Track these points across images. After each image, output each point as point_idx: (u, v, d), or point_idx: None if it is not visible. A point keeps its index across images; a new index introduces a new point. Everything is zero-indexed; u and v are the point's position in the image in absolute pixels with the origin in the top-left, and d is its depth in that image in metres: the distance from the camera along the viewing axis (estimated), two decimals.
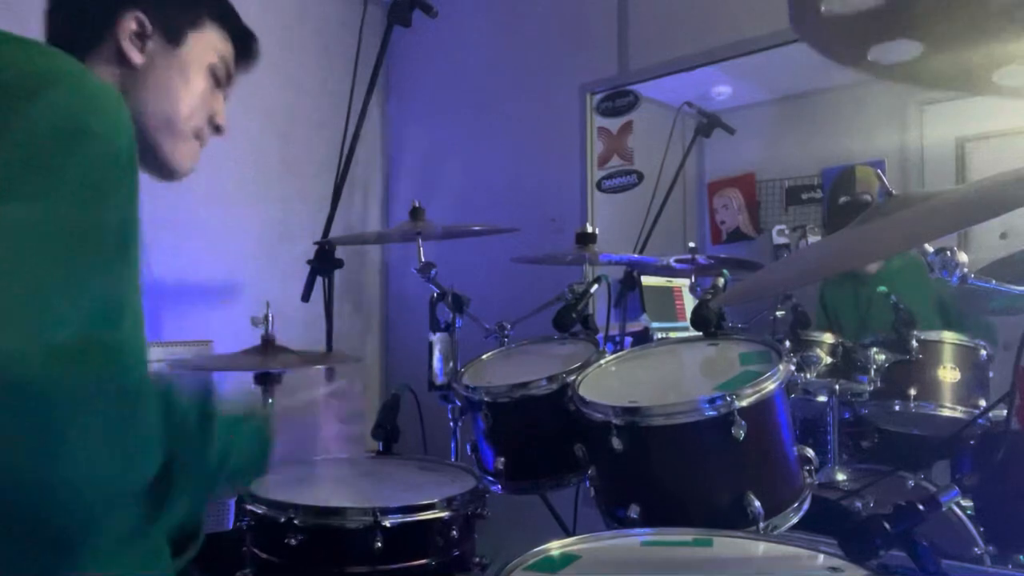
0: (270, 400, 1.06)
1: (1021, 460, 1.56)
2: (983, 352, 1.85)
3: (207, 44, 1.05)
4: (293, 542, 1.30)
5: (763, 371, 1.24)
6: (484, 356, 1.80)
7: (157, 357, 2.32)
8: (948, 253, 1.16)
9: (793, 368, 1.27)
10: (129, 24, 0.97)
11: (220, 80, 1.08)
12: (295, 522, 1.31)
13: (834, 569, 0.93)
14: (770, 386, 1.21)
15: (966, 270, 1.17)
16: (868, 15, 0.81)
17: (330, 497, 1.41)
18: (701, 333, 1.51)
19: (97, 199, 0.75)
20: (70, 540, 0.70)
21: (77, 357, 0.68)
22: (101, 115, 0.78)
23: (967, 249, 1.17)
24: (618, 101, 2.89)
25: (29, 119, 0.73)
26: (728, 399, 1.16)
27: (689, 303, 2.88)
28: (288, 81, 3.19)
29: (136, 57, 0.98)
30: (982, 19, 0.79)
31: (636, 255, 2.42)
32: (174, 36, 1.01)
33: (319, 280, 2.34)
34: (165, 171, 1.05)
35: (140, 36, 0.98)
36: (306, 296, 2.34)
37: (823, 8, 0.80)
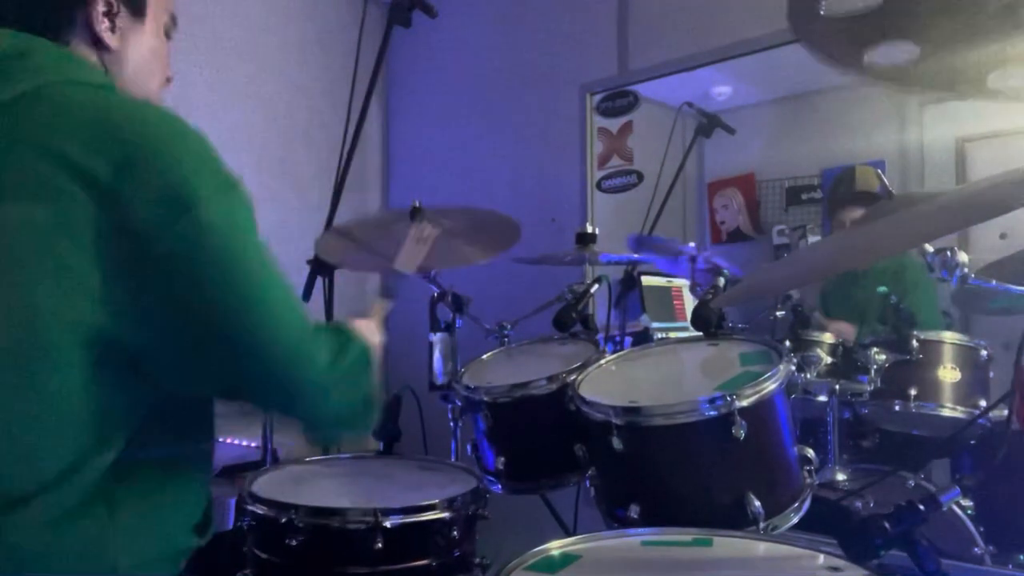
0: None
1: (1021, 460, 1.56)
2: (983, 352, 1.85)
3: (160, 6, 1.05)
4: (293, 542, 1.30)
5: (763, 371, 1.24)
6: (484, 356, 1.80)
7: None
8: (948, 253, 1.16)
9: (793, 368, 1.27)
10: (98, 6, 0.96)
11: (170, 34, 1.09)
12: (295, 522, 1.30)
13: (834, 569, 0.93)
14: (770, 386, 1.21)
15: (966, 270, 1.17)
16: (866, 17, 0.81)
17: (330, 497, 1.41)
18: (701, 333, 1.51)
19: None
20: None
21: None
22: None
23: (967, 249, 1.17)
24: (618, 101, 2.89)
25: None
26: (728, 399, 1.16)
27: (689, 303, 2.88)
28: (288, 81, 3.19)
29: (112, 40, 0.98)
30: (979, 21, 0.79)
31: (636, 255, 2.42)
32: (137, 8, 1.01)
33: (319, 280, 2.34)
34: None
35: (109, 16, 0.97)
36: (306, 296, 2.33)
37: (823, 10, 0.80)
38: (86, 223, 0.81)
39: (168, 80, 1.11)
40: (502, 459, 1.54)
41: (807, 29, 0.89)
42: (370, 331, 1.22)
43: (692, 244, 1.93)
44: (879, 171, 2.48)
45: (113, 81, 0.98)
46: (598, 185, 2.94)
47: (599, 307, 2.15)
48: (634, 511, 1.23)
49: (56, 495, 0.84)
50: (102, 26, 0.97)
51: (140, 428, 0.90)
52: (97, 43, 0.97)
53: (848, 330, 2.13)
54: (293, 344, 0.94)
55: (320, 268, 2.27)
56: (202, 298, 0.86)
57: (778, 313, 2.04)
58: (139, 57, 1.02)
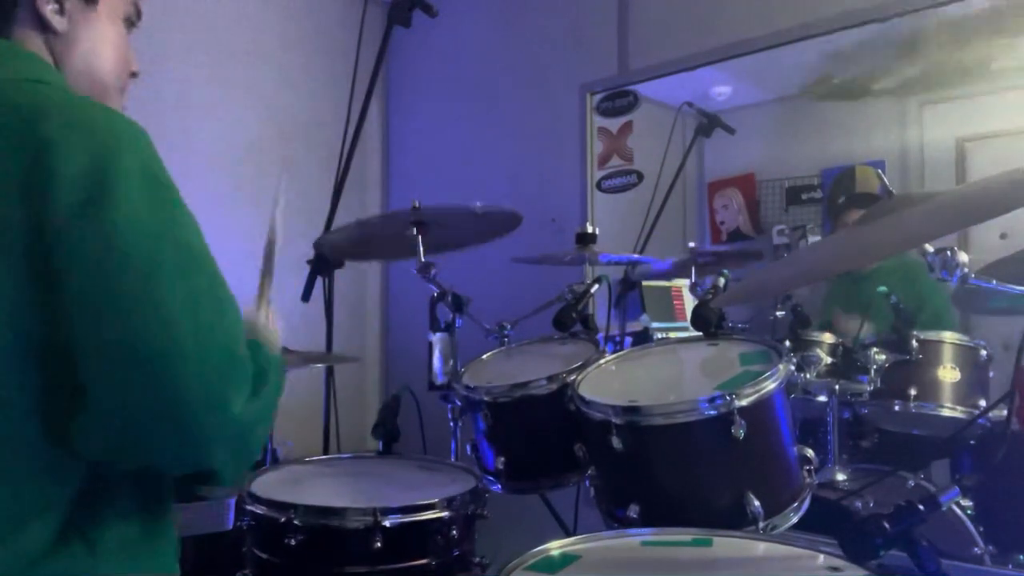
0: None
1: (1021, 460, 1.56)
2: (983, 352, 1.84)
3: None
4: (293, 542, 1.30)
5: (763, 371, 1.24)
6: (484, 356, 1.80)
7: None
8: (948, 253, 1.16)
9: (793, 368, 1.27)
10: None
11: (133, 23, 1.06)
12: (295, 522, 1.31)
13: (834, 569, 0.93)
14: (770, 386, 1.21)
15: (966, 270, 1.17)
16: None
17: (330, 497, 1.41)
18: (701, 333, 1.51)
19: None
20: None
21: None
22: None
23: (967, 249, 1.17)
24: (618, 101, 2.89)
25: None
26: (728, 399, 1.16)
27: (689, 303, 2.88)
28: (288, 81, 3.19)
29: (59, 24, 0.94)
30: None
31: (636, 255, 2.42)
32: None
33: (319, 280, 2.34)
34: None
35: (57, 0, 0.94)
36: (306, 296, 2.33)
37: None
38: (12, 221, 0.78)
39: (133, 74, 1.06)
40: (502, 459, 1.54)
41: None
42: (270, 329, 1.10)
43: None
44: (879, 171, 2.48)
45: (55, 70, 0.94)
46: (598, 185, 2.94)
47: (599, 307, 2.15)
48: (634, 511, 1.23)
49: (28, 534, 0.80)
50: (48, 7, 0.93)
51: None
52: (43, 26, 0.94)
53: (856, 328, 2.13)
54: (207, 377, 0.80)
55: (320, 268, 2.27)
56: (105, 302, 0.78)
57: (778, 313, 2.04)
58: (89, 42, 0.98)
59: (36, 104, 0.84)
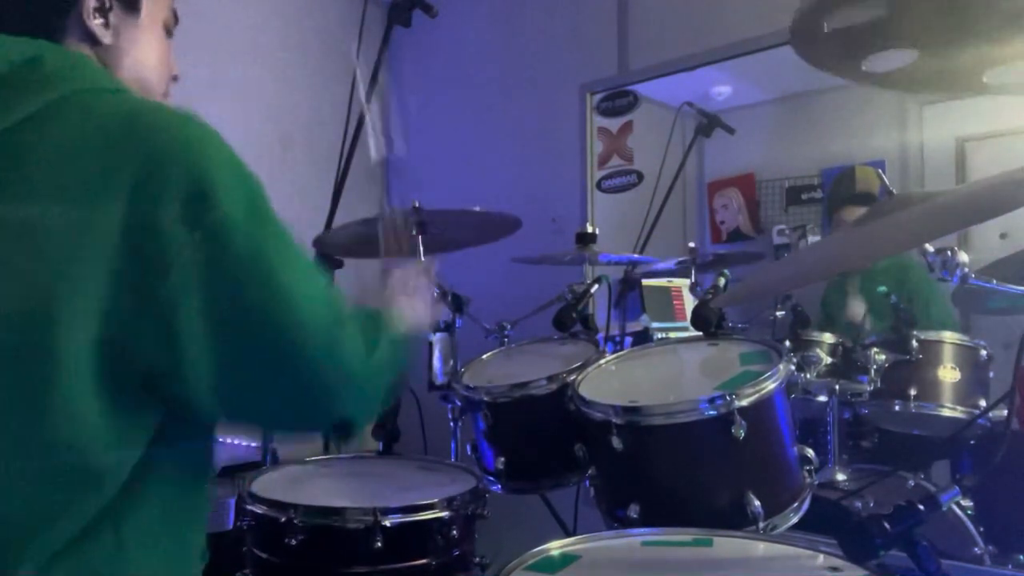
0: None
1: (1021, 460, 1.56)
2: (983, 352, 1.85)
3: (158, 2, 1.03)
4: (293, 542, 1.30)
5: (763, 371, 1.24)
6: (484, 356, 1.80)
7: None
8: (948, 253, 1.16)
9: (793, 368, 1.27)
10: (89, 2, 0.94)
11: (171, 31, 1.08)
12: (295, 522, 1.31)
13: (834, 569, 0.93)
14: (770, 386, 1.21)
15: (966, 270, 1.17)
16: (866, 27, 0.81)
17: (330, 497, 1.41)
18: (701, 333, 1.51)
19: None
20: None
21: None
22: None
23: (967, 249, 1.17)
24: (618, 101, 2.89)
25: None
26: (728, 399, 1.16)
27: (689, 303, 2.88)
28: (288, 81, 3.19)
29: (105, 36, 0.96)
30: (976, 23, 0.79)
31: (636, 255, 2.42)
32: (132, 4, 0.99)
33: None
34: None
35: (101, 11, 0.95)
36: None
37: (826, 28, 0.80)
38: (112, 228, 0.79)
39: (174, 78, 1.10)
40: (502, 459, 1.54)
41: (806, 46, 0.90)
42: (414, 307, 1.17)
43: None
44: (879, 171, 2.48)
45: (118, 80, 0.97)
46: (598, 185, 2.94)
47: (599, 307, 2.15)
48: (634, 511, 1.23)
49: (60, 525, 0.81)
50: (94, 22, 0.95)
51: (145, 451, 0.86)
52: (91, 39, 0.95)
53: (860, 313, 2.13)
54: (323, 338, 0.89)
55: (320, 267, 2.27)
56: (226, 295, 0.83)
57: (778, 313, 2.04)
58: (137, 52, 1.00)
59: (131, 112, 0.87)
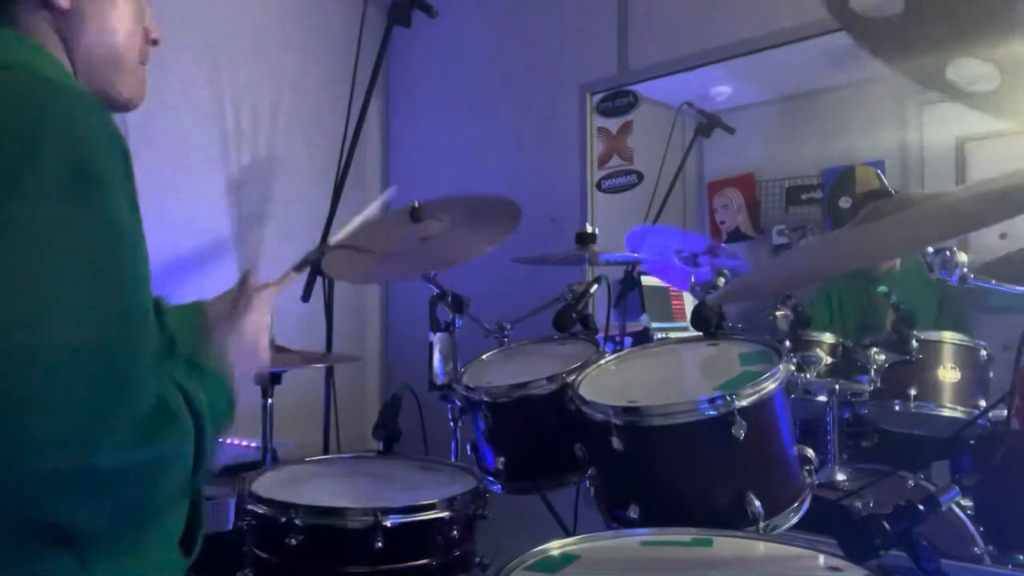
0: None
1: (1021, 460, 1.56)
2: (983, 352, 1.85)
3: None
4: (293, 542, 1.30)
5: (763, 371, 1.24)
6: (484, 356, 1.80)
7: None
8: (948, 253, 1.16)
9: (793, 368, 1.27)
10: None
11: None
12: (295, 522, 1.31)
13: (834, 569, 0.93)
14: (770, 386, 1.21)
15: (966, 270, 1.17)
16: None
17: (330, 497, 1.41)
18: (701, 333, 1.51)
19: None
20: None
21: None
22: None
23: (967, 249, 1.17)
24: (618, 101, 2.89)
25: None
26: (728, 399, 1.16)
27: (689, 303, 2.88)
28: (288, 81, 3.19)
29: (62, 1, 0.89)
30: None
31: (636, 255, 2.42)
32: None
33: (319, 280, 2.34)
34: (120, 107, 0.98)
35: None
36: (306, 296, 2.34)
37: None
38: None
39: (155, 42, 1.01)
40: (502, 459, 1.54)
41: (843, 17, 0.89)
42: (253, 332, 1.01)
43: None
44: (879, 171, 2.48)
45: (36, 51, 0.87)
46: (598, 185, 2.94)
47: (599, 307, 2.15)
48: (634, 511, 1.23)
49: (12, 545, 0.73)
50: None
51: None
52: (47, 5, 0.89)
53: None
54: (75, 403, 0.66)
55: (320, 268, 2.28)
56: None
57: (778, 313, 2.04)
58: (99, 16, 0.93)
59: None
